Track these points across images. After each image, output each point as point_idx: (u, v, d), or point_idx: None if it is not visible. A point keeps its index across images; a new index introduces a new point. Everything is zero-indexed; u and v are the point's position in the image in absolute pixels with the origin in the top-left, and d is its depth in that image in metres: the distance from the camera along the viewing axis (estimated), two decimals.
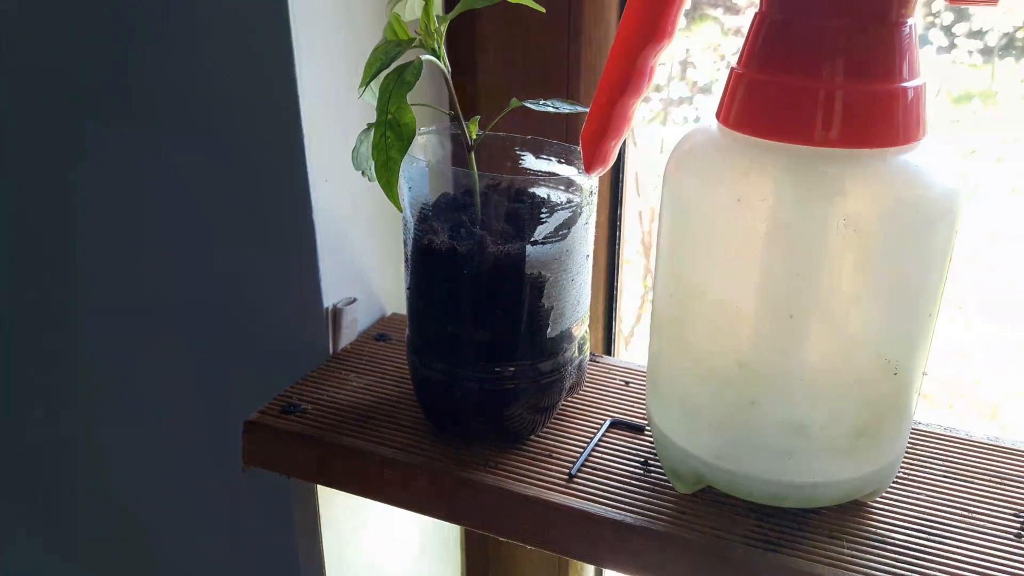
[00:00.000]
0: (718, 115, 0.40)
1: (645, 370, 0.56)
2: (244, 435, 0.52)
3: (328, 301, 0.58)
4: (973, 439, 0.50)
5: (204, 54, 0.54)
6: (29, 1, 0.57)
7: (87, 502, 0.73)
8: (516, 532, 0.46)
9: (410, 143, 0.40)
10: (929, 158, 0.37)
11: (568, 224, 0.45)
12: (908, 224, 0.36)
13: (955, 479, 0.47)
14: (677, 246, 0.41)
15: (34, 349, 0.70)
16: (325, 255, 0.57)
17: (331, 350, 0.59)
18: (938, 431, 0.51)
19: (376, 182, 0.42)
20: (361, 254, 0.61)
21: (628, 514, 0.44)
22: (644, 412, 0.53)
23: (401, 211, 0.44)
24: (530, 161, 0.52)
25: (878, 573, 0.40)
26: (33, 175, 0.63)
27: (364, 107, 0.58)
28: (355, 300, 0.60)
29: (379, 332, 0.62)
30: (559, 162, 0.51)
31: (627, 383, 0.56)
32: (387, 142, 0.41)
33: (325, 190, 0.56)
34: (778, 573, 0.41)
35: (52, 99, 0.60)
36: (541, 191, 0.47)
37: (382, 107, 0.41)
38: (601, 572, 0.74)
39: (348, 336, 0.60)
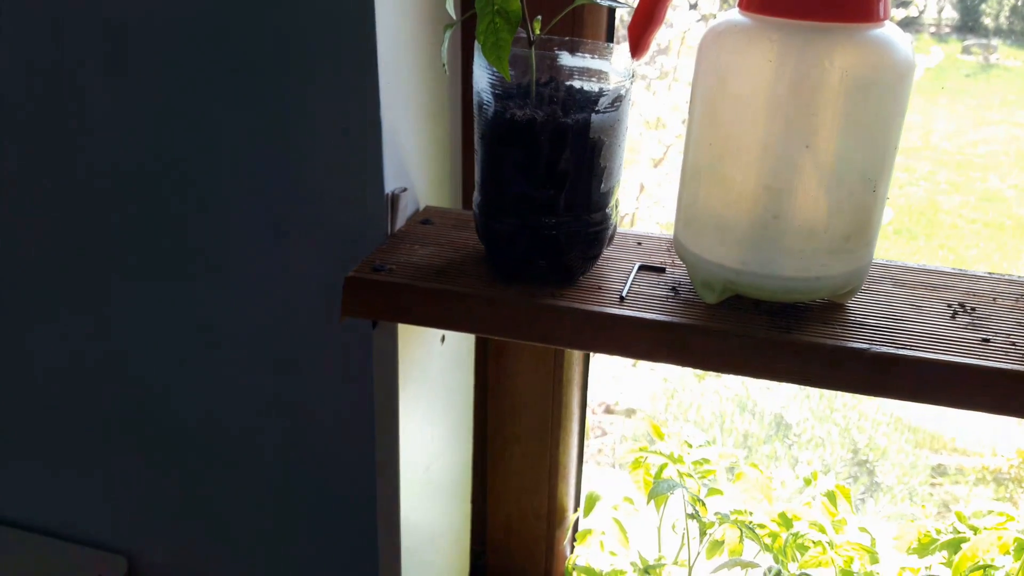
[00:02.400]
0: (741, 5, 0.54)
1: (649, 234, 0.71)
2: (344, 289, 0.63)
3: (388, 188, 0.69)
4: (908, 265, 0.66)
5: None
6: None
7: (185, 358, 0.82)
8: (585, 341, 0.60)
9: (518, 25, 0.52)
10: (895, 34, 0.52)
11: (620, 98, 0.58)
12: (885, 77, 0.52)
13: (900, 288, 0.63)
14: (716, 105, 0.54)
15: (143, 239, 0.78)
16: (388, 148, 0.68)
17: (389, 230, 0.70)
18: (882, 262, 0.67)
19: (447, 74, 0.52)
20: (408, 152, 0.72)
21: (673, 317, 0.58)
22: (659, 260, 0.67)
23: (509, 80, 0.56)
24: (566, 58, 0.64)
25: (862, 341, 0.55)
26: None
27: (418, 24, 0.70)
28: (406, 189, 0.71)
29: (423, 218, 0.74)
30: (592, 57, 0.64)
31: (639, 243, 0.70)
32: (496, 27, 0.53)
33: (388, 93, 0.67)
34: (794, 346, 0.55)
35: None
36: (590, 76, 0.60)
37: (486, 0, 0.53)
38: (588, 368, 0.87)
39: (400, 220, 0.72)
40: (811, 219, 0.54)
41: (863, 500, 1.96)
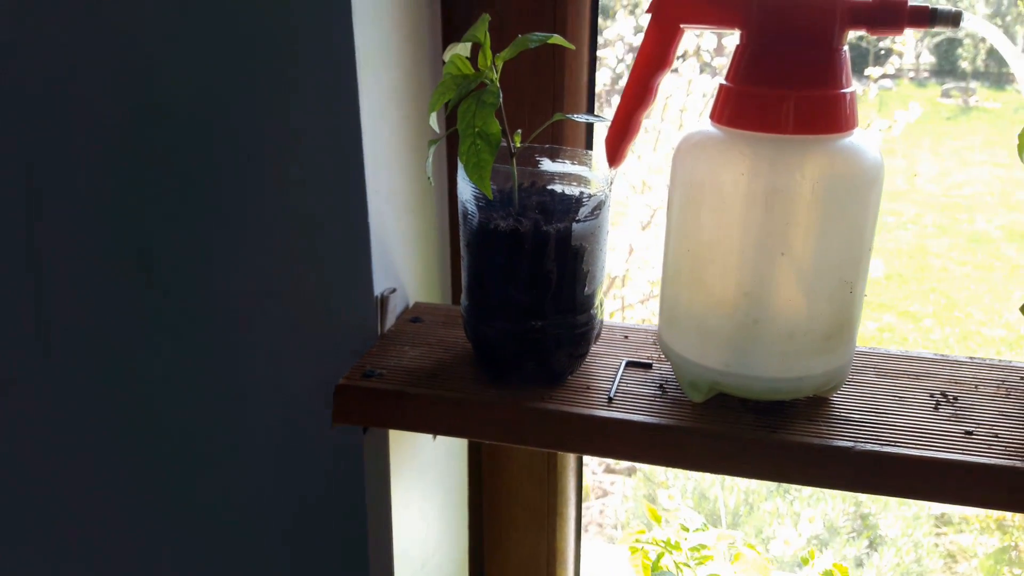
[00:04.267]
0: (713, 117, 0.56)
1: (636, 327, 0.72)
2: (335, 396, 0.64)
3: (377, 290, 0.70)
4: (890, 352, 0.67)
5: (285, 100, 0.65)
6: None
7: (168, 470, 0.82)
8: (574, 445, 0.60)
9: (498, 147, 0.54)
10: (863, 140, 0.54)
11: (600, 206, 0.60)
12: (855, 184, 0.53)
13: (884, 379, 0.64)
14: (692, 214, 0.56)
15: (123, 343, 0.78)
16: (376, 252, 0.69)
17: (379, 331, 0.72)
18: (866, 350, 0.68)
19: (433, 185, 0.54)
20: (395, 253, 0.73)
21: (661, 418, 0.59)
22: (646, 355, 0.68)
23: (491, 197, 0.58)
24: (547, 164, 0.66)
25: (846, 439, 0.56)
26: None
27: (402, 137, 0.72)
28: (395, 290, 0.73)
29: (413, 316, 0.75)
30: (572, 164, 0.65)
31: (626, 337, 0.71)
32: (478, 148, 0.54)
33: (376, 201, 0.68)
34: (781, 447, 0.56)
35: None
36: (569, 182, 0.62)
37: (467, 123, 0.55)
38: (581, 496, 0.87)
39: (390, 320, 0.73)
40: (791, 322, 0.55)
41: (868, 555, 1.95)
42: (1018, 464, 0.53)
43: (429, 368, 0.66)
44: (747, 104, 0.54)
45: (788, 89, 0.52)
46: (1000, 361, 0.66)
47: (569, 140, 0.75)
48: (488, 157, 0.54)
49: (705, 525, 0.89)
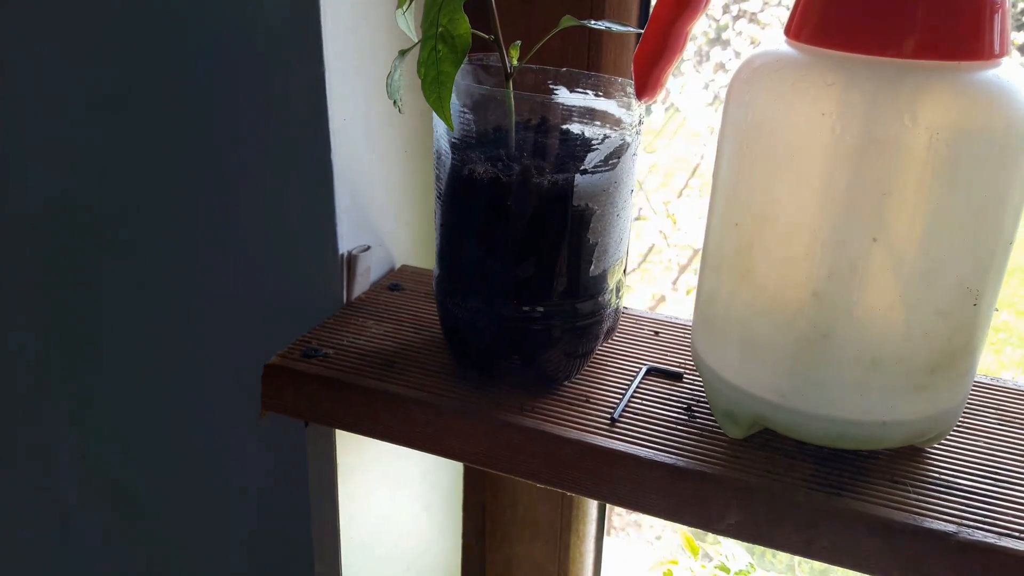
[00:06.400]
0: (789, 32, 0.38)
1: (673, 320, 0.55)
2: (264, 379, 0.49)
3: (343, 247, 0.55)
4: (1020, 387, 0.48)
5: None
6: None
7: (93, 450, 0.70)
8: (554, 477, 0.44)
9: (464, 56, 0.37)
10: (1015, 76, 0.35)
11: (618, 153, 0.43)
12: (996, 141, 0.35)
13: (1011, 427, 0.45)
14: (746, 171, 0.38)
15: (54, 299, 0.66)
16: (341, 199, 0.54)
17: (345, 298, 0.56)
18: (985, 381, 0.49)
19: (402, 113, 0.40)
20: (374, 202, 0.58)
21: (679, 457, 0.42)
22: (679, 361, 0.51)
23: (452, 129, 0.41)
24: (564, 95, 0.49)
25: (947, 518, 0.38)
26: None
27: (383, 48, 0.56)
28: (369, 248, 0.57)
29: (392, 282, 0.59)
30: (596, 95, 0.48)
31: (657, 333, 0.54)
32: (438, 56, 0.38)
33: (344, 132, 0.53)
34: (844, 517, 0.39)
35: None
36: (589, 120, 0.45)
37: (431, 21, 0.38)
38: (604, 511, 0.71)
39: (362, 285, 0.57)
40: (878, 341, 0.37)
41: None
42: None
43: (389, 352, 0.51)
44: (840, 11, 0.35)
45: None
46: None
47: (609, 62, 0.57)
48: (450, 69, 0.38)
49: (752, 566, 0.72)
